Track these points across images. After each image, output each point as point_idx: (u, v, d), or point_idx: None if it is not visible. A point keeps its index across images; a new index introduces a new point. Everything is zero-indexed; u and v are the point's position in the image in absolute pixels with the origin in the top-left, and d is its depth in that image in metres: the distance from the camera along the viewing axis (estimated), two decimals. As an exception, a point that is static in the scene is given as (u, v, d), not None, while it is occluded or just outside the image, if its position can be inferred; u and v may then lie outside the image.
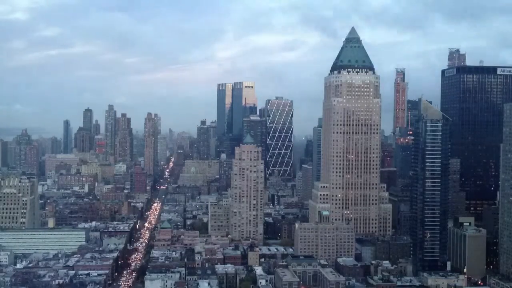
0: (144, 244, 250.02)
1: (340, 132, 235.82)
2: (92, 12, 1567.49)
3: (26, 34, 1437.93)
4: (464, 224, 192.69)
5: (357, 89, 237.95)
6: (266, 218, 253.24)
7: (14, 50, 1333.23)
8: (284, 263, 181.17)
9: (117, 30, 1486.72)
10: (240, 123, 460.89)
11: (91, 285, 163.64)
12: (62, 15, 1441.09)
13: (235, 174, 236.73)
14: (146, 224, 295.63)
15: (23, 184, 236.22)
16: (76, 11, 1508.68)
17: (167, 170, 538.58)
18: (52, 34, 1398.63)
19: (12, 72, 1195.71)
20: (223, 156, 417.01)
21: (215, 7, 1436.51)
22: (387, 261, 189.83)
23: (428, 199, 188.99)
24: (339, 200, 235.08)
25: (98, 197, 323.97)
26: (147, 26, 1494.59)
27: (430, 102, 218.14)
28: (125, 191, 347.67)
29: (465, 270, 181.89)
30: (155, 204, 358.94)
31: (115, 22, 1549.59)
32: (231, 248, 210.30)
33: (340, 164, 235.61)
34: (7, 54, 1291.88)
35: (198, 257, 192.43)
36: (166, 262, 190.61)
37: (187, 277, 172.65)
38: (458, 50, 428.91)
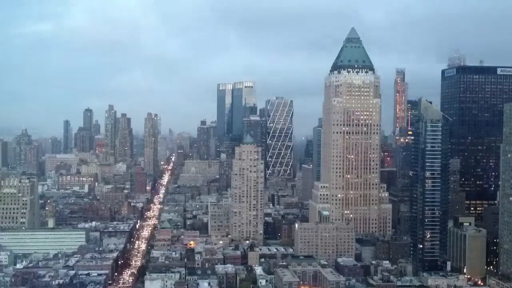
0: (144, 244, 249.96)
1: (340, 132, 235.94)
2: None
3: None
4: (464, 224, 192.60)
5: (357, 89, 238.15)
6: (266, 218, 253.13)
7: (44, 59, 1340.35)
8: (284, 263, 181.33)
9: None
10: (240, 123, 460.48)
11: (91, 285, 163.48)
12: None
13: (235, 174, 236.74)
14: (146, 224, 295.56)
15: (23, 184, 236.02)
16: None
17: (167, 170, 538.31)
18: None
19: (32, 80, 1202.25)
20: (223, 156, 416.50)
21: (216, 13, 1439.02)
22: (387, 261, 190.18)
23: (428, 199, 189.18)
24: (339, 200, 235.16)
25: (98, 197, 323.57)
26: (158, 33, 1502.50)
27: (430, 102, 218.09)
28: (125, 191, 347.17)
29: (465, 270, 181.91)
30: (155, 204, 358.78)
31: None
32: (231, 248, 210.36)
33: (340, 164, 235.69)
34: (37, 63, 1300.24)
35: (198, 257, 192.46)
36: (166, 262, 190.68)
37: (187, 277, 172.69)
38: (458, 50, 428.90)
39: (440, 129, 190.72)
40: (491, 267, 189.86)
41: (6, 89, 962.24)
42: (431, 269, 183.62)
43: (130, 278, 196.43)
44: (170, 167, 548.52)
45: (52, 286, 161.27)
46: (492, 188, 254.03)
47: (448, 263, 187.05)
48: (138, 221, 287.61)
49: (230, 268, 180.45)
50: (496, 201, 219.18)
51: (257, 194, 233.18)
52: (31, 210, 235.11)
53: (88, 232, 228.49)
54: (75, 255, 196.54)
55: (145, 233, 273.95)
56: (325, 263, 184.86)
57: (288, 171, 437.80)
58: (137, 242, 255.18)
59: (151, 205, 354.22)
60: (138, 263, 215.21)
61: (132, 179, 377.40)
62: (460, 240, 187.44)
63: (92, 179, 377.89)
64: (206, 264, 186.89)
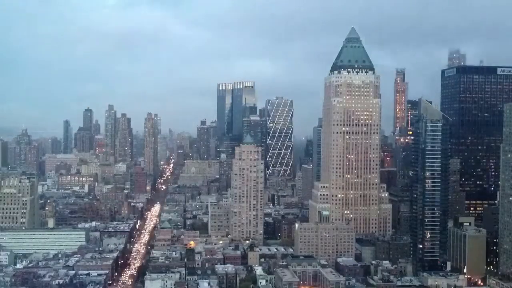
0: (144, 244, 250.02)
1: (340, 132, 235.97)
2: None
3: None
4: (464, 224, 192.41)
5: (357, 89, 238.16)
6: (266, 218, 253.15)
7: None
8: (284, 263, 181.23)
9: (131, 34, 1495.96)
10: (240, 123, 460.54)
11: (91, 285, 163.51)
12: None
13: (235, 174, 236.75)
14: (146, 224, 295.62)
15: (23, 184, 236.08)
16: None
17: (167, 170, 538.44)
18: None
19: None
20: (223, 156, 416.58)
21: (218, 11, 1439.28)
22: (387, 261, 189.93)
23: (428, 199, 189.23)
24: (339, 200, 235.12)
25: (98, 197, 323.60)
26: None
27: (430, 102, 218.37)
28: (125, 191, 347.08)
29: (465, 270, 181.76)
30: (155, 204, 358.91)
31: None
32: (231, 248, 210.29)
33: (340, 164, 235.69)
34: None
35: (198, 257, 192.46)
36: (166, 262, 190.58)
37: (187, 277, 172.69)
38: (458, 50, 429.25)
39: (440, 129, 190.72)
40: (491, 267, 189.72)
41: (6, 89, 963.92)
42: (431, 269, 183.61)
43: (130, 278, 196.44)
44: (170, 167, 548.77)
45: (52, 286, 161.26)
46: (492, 188, 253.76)
47: (448, 263, 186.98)
48: (138, 221, 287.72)
49: (230, 268, 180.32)
50: (496, 201, 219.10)
51: (257, 194, 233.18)
52: (31, 210, 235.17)
53: (88, 232, 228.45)
54: (75, 255, 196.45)
55: (145, 233, 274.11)
56: (325, 263, 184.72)
57: (288, 171, 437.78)
58: (137, 242, 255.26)
59: (151, 205, 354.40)
60: (138, 263, 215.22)
61: (132, 179, 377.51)
62: (460, 240, 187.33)
63: (92, 179, 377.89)
64: (206, 264, 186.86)
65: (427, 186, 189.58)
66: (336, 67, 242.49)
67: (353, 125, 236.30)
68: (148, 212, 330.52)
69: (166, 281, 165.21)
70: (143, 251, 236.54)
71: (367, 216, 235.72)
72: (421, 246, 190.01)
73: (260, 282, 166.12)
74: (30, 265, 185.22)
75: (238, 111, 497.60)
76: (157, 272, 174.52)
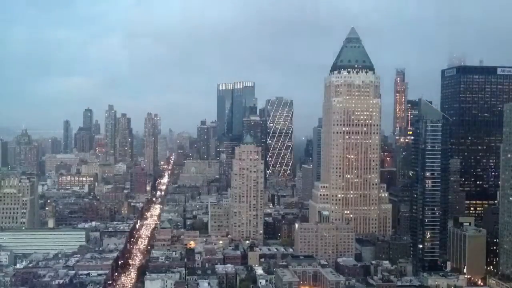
0: (144, 244, 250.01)
1: (340, 132, 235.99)
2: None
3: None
4: (464, 224, 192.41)
5: (357, 89, 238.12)
6: (266, 218, 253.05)
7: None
8: (284, 263, 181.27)
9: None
10: (240, 123, 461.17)
11: (91, 285, 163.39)
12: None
13: (235, 174, 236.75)
14: (146, 224, 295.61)
15: (23, 184, 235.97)
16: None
17: (167, 170, 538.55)
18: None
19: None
20: (223, 156, 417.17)
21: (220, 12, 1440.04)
22: (387, 261, 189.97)
23: (428, 199, 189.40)
24: (339, 200, 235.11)
25: (98, 197, 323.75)
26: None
27: (430, 102, 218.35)
28: (125, 191, 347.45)
29: (465, 270, 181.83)
30: (155, 204, 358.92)
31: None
32: (231, 248, 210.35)
33: (340, 164, 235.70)
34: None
35: (198, 257, 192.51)
36: (166, 262, 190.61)
37: (187, 277, 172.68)
38: (458, 50, 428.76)
39: (440, 129, 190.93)
40: (491, 267, 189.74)
41: (6, 90, 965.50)
42: (431, 269, 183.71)
43: (130, 278, 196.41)
44: (170, 167, 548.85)
45: (52, 286, 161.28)
46: (492, 188, 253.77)
47: (448, 263, 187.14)
48: (138, 221, 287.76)
49: (230, 268, 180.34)
50: (496, 201, 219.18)
51: (257, 194, 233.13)
52: (31, 210, 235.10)
53: (88, 232, 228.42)
54: (75, 255, 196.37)
55: (145, 233, 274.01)
56: (325, 263, 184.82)
57: (288, 171, 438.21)
58: (137, 242, 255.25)
59: (151, 205, 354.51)
60: (138, 263, 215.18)
61: (132, 179, 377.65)
62: (460, 240, 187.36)
63: (92, 179, 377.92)
64: (206, 264, 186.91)
65: (427, 186, 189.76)
66: (336, 67, 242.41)
67: (353, 125, 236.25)
68: (148, 212, 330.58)
69: (166, 281, 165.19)
70: (143, 251, 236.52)
71: (367, 216, 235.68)
72: (421, 246, 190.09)
73: (260, 282, 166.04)
74: (30, 265, 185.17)
75: (238, 111, 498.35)
76: (157, 272, 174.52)
